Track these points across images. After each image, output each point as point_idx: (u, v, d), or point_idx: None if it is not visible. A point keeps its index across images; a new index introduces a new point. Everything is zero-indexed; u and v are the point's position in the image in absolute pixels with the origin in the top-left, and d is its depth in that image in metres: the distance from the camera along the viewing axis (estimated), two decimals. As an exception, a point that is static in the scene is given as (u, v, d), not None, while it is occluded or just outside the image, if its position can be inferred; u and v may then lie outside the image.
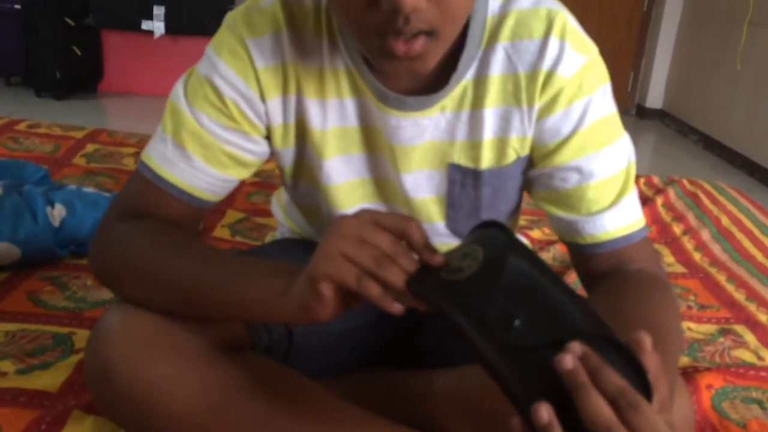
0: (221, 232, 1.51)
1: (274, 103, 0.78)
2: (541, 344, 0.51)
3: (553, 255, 1.52)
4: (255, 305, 0.66)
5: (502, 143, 0.80)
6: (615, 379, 0.49)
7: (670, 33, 4.51)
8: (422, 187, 0.83)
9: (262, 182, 1.79)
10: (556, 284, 0.55)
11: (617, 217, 0.79)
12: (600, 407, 0.48)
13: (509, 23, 0.76)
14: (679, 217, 1.77)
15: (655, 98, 4.65)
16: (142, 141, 1.99)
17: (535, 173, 0.83)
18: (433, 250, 0.60)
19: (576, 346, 0.50)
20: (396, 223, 0.60)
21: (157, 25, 3.74)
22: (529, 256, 0.57)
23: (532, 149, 0.81)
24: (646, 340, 0.51)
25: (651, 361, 0.51)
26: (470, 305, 0.54)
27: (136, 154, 1.87)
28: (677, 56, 4.51)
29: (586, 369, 0.49)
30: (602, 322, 0.52)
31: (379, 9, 0.61)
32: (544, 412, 0.48)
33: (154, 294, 0.72)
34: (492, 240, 0.59)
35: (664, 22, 4.49)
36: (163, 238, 0.75)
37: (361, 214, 0.61)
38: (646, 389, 0.49)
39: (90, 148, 1.90)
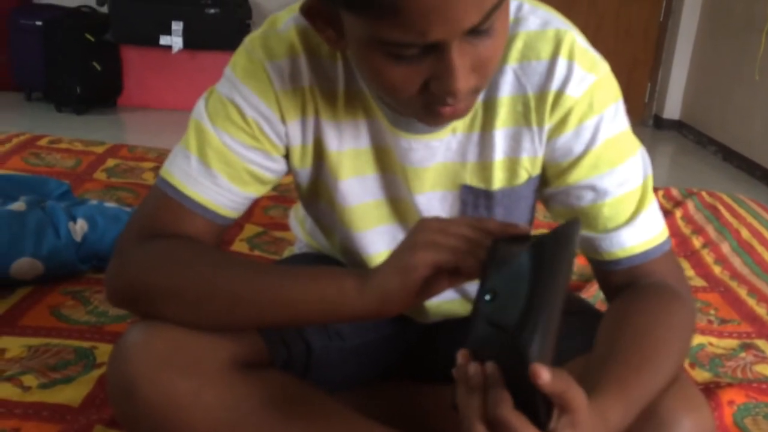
0: (239, 246, 1.52)
1: (294, 124, 0.79)
2: (500, 325, 0.60)
3: (571, 268, 1.51)
4: (321, 302, 0.69)
5: (513, 164, 0.81)
6: (494, 402, 0.55)
7: (687, 43, 4.49)
8: (435, 208, 0.84)
9: (280, 196, 1.80)
10: (551, 292, 0.59)
11: (634, 234, 0.79)
12: (471, 406, 0.57)
13: (518, 45, 0.76)
14: (699, 230, 1.76)
15: (672, 109, 4.63)
16: (161, 155, 2.01)
17: (550, 191, 0.83)
18: (514, 225, 0.67)
19: (490, 366, 0.57)
20: (471, 219, 0.68)
21: (175, 40, 3.78)
22: (554, 256, 0.61)
23: (546, 168, 0.81)
24: (542, 373, 0.53)
25: (550, 389, 0.54)
26: (490, 277, 0.63)
27: (156, 169, 1.89)
28: (694, 67, 4.48)
29: (488, 380, 0.56)
30: (546, 342, 0.57)
31: (429, 91, 0.64)
32: (461, 354, 0.58)
33: (194, 308, 0.72)
34: (548, 235, 0.64)
35: (681, 32, 4.47)
36: (199, 252, 0.75)
37: (439, 217, 0.69)
38: (537, 412, 0.56)
39: (110, 162, 1.93)
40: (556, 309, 0.59)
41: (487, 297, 0.61)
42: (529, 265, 0.61)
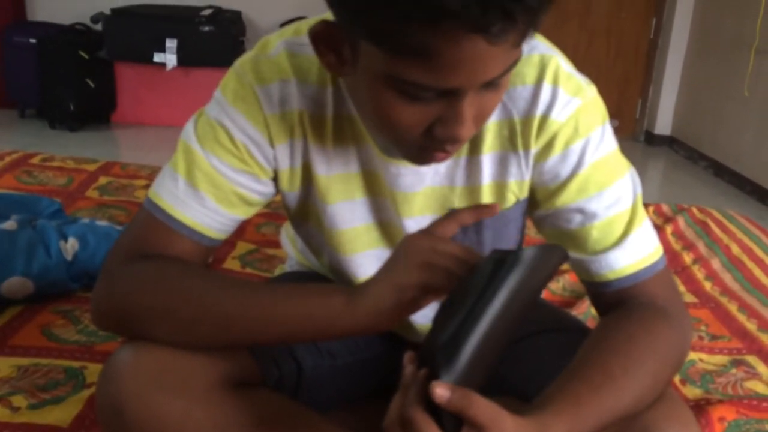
0: (232, 263, 1.52)
1: (282, 148, 0.80)
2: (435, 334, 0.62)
3: (563, 285, 1.51)
4: (312, 319, 0.69)
5: (500, 188, 0.81)
6: (408, 402, 0.58)
7: (678, 60, 4.53)
8: None
9: (273, 213, 1.80)
10: (489, 313, 0.60)
11: (624, 255, 0.79)
12: (393, 407, 0.60)
13: None
14: (689, 246, 1.76)
15: (663, 125, 4.66)
16: (154, 173, 2.01)
17: (540, 214, 0.83)
18: (484, 207, 0.70)
19: (421, 372, 0.60)
20: (450, 227, 0.70)
21: (169, 58, 3.80)
22: (507, 278, 0.62)
23: (535, 191, 0.82)
24: (438, 392, 0.57)
25: (447, 407, 0.57)
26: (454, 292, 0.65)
27: (148, 186, 1.89)
28: (685, 83, 4.52)
29: (417, 382, 0.59)
30: (464, 361, 0.59)
31: (431, 135, 0.65)
32: (407, 356, 0.62)
33: (185, 329, 0.72)
34: (509, 256, 0.64)
35: (671, 49, 4.52)
36: (188, 272, 0.75)
37: (423, 232, 0.70)
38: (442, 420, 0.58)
39: (103, 180, 1.93)
40: (494, 330, 0.60)
41: (444, 304, 0.63)
42: (483, 280, 0.62)
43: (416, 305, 0.68)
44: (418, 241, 0.68)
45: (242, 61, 0.79)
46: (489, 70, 0.61)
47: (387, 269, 0.69)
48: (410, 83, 0.61)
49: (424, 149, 0.68)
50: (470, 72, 0.60)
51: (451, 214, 0.71)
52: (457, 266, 0.66)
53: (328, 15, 0.67)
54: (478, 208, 0.70)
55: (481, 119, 0.67)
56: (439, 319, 0.63)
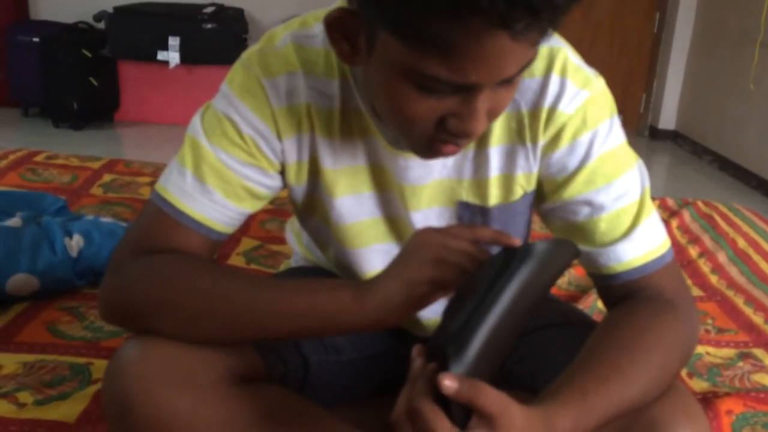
0: (236, 259, 1.52)
1: (290, 141, 0.79)
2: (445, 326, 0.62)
3: (568, 279, 1.51)
4: (320, 314, 0.69)
5: (508, 180, 0.81)
6: (415, 393, 0.58)
7: (682, 54, 4.52)
8: (432, 225, 0.84)
9: (277, 209, 1.80)
10: (497, 305, 0.60)
11: (632, 248, 0.79)
12: (401, 401, 0.60)
13: None
14: (695, 240, 1.76)
15: (668, 119, 4.65)
16: (158, 170, 2.01)
17: (547, 206, 0.83)
18: (506, 235, 0.69)
19: (430, 365, 0.60)
20: (466, 232, 0.69)
21: (172, 56, 3.80)
22: (516, 271, 0.62)
23: (542, 183, 0.82)
24: (445, 383, 0.56)
25: (455, 397, 0.56)
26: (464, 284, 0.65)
27: (152, 183, 1.89)
28: (689, 77, 4.51)
29: (425, 374, 0.59)
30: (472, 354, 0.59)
31: (443, 128, 0.65)
32: (415, 349, 0.62)
33: (192, 323, 0.72)
34: (520, 249, 0.65)
35: (675, 43, 4.50)
36: (196, 266, 0.75)
37: (435, 228, 0.70)
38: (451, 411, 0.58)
39: (107, 178, 1.93)
40: (503, 322, 0.60)
41: (454, 298, 0.63)
42: (492, 273, 0.62)
43: (426, 301, 0.67)
44: (429, 237, 0.68)
45: (249, 54, 0.79)
46: (508, 68, 0.61)
47: (397, 264, 0.68)
48: (428, 76, 0.60)
49: (433, 141, 0.68)
50: (490, 68, 0.60)
51: (470, 225, 0.72)
52: (468, 262, 0.66)
53: (339, 3, 0.66)
54: (500, 234, 0.70)
55: (494, 115, 0.67)
56: (448, 313, 0.63)
